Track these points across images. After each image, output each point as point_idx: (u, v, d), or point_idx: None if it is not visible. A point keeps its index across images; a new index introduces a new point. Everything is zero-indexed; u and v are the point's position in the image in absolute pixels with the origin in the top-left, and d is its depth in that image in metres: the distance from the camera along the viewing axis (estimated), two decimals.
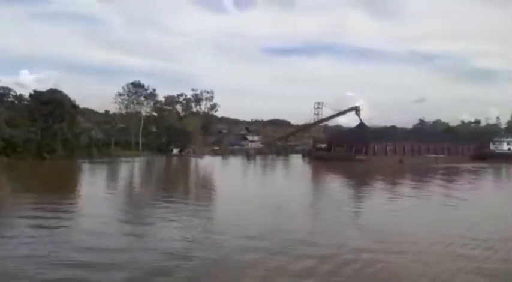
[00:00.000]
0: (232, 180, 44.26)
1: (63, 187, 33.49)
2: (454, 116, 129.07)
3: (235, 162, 67.29)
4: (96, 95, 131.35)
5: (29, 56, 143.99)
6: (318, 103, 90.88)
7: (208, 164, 61.71)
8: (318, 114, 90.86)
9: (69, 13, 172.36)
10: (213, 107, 79.42)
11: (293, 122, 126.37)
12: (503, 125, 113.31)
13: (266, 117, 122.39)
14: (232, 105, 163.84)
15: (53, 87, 55.93)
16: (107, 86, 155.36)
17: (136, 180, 43.19)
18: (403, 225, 21.02)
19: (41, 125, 52.01)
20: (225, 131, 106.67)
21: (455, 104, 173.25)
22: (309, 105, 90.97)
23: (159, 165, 59.25)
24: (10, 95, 54.21)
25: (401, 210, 25.41)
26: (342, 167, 59.73)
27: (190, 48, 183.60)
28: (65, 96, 56.25)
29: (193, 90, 78.41)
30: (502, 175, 60.30)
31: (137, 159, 62.10)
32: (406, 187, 39.49)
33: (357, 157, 72.67)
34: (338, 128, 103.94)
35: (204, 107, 79.34)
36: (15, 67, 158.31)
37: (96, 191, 31.83)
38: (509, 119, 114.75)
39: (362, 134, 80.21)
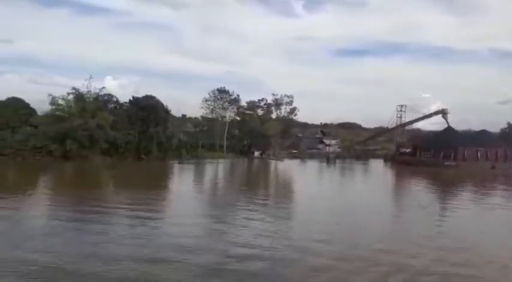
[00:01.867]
0: (321, 185, 44.43)
1: (160, 185, 36.07)
2: None
3: (316, 166, 67.24)
4: (173, 99, 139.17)
5: (111, 63, 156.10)
6: (401, 106, 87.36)
7: (290, 166, 62.47)
8: (400, 117, 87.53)
9: (145, 22, 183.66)
10: (293, 111, 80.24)
11: (364, 125, 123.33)
12: None
13: (336, 121, 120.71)
14: (302, 109, 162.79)
15: (134, 93, 60.64)
16: (182, 90, 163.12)
17: (227, 180, 45.19)
18: None
19: (138, 128, 56.34)
20: (300, 135, 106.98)
21: None
22: (381, 107, 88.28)
23: (245, 166, 61.41)
24: (112, 101, 59.40)
25: None
26: (431, 173, 56.79)
27: (259, 52, 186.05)
28: (159, 102, 60.54)
29: (273, 95, 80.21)
30: None
31: (222, 160, 65.00)
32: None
33: (445, 163, 68.95)
34: (416, 132, 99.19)
35: (283, 111, 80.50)
36: (101, 74, 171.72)
37: (190, 190, 34.01)
38: None
39: (450, 139, 75.85)
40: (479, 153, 74.78)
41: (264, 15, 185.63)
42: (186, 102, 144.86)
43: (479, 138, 78.64)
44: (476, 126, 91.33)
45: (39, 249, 14.39)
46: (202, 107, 77.54)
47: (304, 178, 50.41)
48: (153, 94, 61.57)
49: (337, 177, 52.63)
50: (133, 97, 59.95)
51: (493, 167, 69.15)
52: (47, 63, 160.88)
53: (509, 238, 19.66)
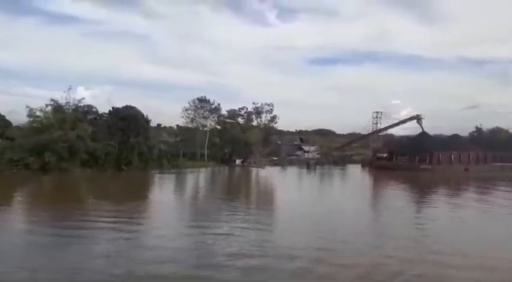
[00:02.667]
0: (306, 190, 45.41)
1: (142, 196, 36.00)
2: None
3: (297, 172, 68.12)
4: (147, 109, 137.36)
5: (83, 73, 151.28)
6: (377, 112, 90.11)
7: (272, 174, 63.14)
8: (376, 123, 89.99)
9: (119, 32, 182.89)
10: (273, 119, 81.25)
11: (338, 131, 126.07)
12: None
13: (311, 127, 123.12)
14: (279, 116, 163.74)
15: (108, 102, 60.03)
16: (158, 100, 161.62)
17: (210, 189, 45.12)
18: None
19: (118, 139, 55.84)
20: (279, 142, 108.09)
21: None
22: (355, 114, 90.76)
23: (228, 175, 61.55)
24: (91, 112, 58.74)
25: None
26: (408, 177, 58.64)
27: (236, 61, 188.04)
28: (139, 112, 60.23)
29: (254, 103, 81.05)
30: None
31: (203, 169, 64.99)
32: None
33: (421, 166, 71.20)
34: (390, 137, 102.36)
35: (264, 119, 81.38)
36: (73, 84, 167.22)
37: (171, 200, 34.37)
38: None
39: (425, 143, 78.55)
40: (452, 157, 77.60)
41: (238, 24, 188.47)
42: (160, 111, 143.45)
43: (452, 142, 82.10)
44: (446, 131, 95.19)
45: (18, 266, 14.29)
46: (182, 116, 77.76)
47: (289, 185, 51.15)
48: (127, 104, 61.22)
49: (321, 183, 53.59)
50: (113, 108, 59.61)
51: (466, 170, 71.83)
52: (17, 74, 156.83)
53: (486, 238, 20.75)
